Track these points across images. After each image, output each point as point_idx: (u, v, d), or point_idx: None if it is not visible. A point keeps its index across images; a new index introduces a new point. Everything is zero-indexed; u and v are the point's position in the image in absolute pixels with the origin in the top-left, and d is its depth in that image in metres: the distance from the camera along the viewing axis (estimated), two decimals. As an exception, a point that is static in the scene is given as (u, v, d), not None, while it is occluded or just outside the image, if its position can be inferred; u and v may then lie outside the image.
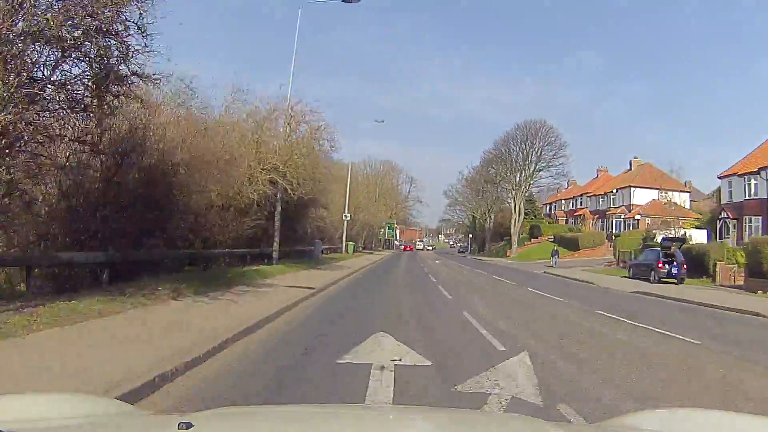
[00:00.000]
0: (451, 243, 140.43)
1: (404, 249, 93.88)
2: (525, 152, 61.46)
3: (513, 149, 62.65)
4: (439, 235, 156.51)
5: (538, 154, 61.11)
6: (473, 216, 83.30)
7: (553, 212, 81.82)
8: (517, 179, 62.12)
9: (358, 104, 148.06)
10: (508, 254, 61.69)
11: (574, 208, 75.01)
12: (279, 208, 21.01)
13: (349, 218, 41.02)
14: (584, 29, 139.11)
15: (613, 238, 47.75)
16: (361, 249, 56.82)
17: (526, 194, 64.42)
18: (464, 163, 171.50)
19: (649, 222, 52.80)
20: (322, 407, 3.00)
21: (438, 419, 2.22)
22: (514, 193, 62.55)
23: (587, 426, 3.65)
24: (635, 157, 67.34)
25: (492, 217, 75.70)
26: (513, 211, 61.91)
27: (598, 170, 76.36)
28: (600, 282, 24.33)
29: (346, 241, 41.92)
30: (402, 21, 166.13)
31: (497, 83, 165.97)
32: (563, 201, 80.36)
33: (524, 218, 64.52)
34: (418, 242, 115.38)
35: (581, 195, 73.44)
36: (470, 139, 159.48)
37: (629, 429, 2.10)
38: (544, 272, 33.50)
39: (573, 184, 76.99)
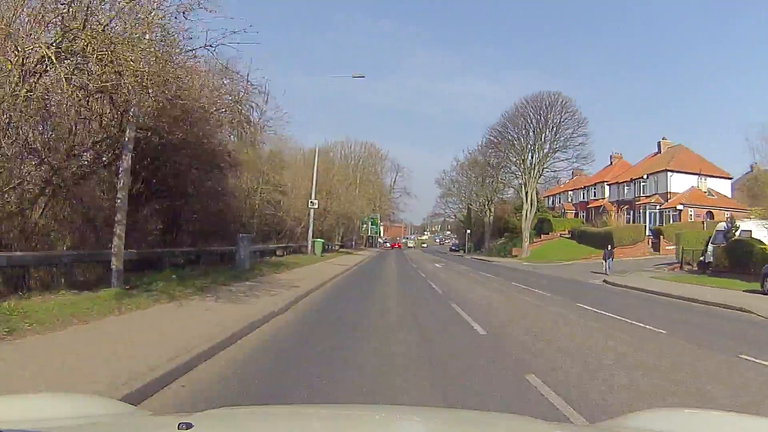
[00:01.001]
0: (439, 240, 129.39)
1: (392, 246, 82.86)
2: (539, 128, 49.52)
3: (523, 125, 50.99)
4: (425, 232, 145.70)
5: (554, 130, 49.50)
6: (469, 208, 72.12)
7: (558, 204, 71.38)
8: (530, 162, 50.31)
9: (346, 102, 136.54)
10: (515, 253, 50.46)
11: (586, 199, 64.62)
12: (127, 160, 9.44)
13: (316, 206, 29.43)
14: (581, 25, 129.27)
15: (674, 233, 36.74)
16: (337, 248, 44.86)
17: (539, 181, 52.76)
18: (450, 160, 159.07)
19: (712, 213, 42.46)
20: (322, 407, 2.96)
21: (438, 419, 2.18)
22: (525, 178, 50.34)
23: (587, 426, 3.31)
24: (664, 138, 57.07)
25: (492, 209, 64.82)
26: (524, 202, 49.91)
27: (611, 156, 66.50)
28: (744, 305, 13.32)
29: (312, 237, 30.15)
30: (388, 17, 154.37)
31: (485, 79, 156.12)
32: (570, 192, 70.13)
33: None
34: (405, 239, 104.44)
35: (595, 184, 63.07)
36: (460, 136, 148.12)
37: (629, 429, 2.01)
38: (604, 281, 22.47)
39: (579, 173, 66.72)
